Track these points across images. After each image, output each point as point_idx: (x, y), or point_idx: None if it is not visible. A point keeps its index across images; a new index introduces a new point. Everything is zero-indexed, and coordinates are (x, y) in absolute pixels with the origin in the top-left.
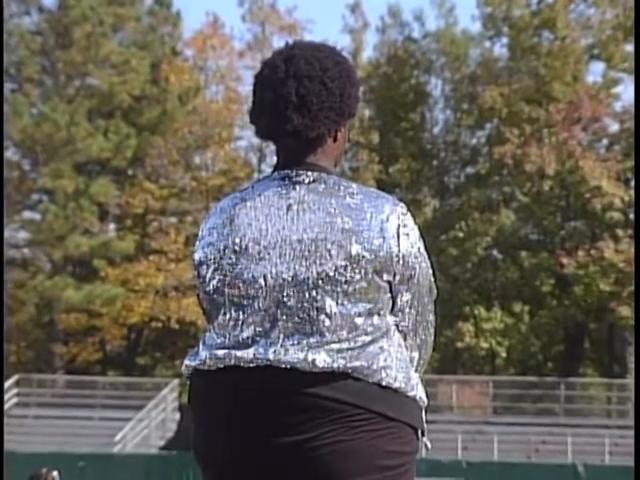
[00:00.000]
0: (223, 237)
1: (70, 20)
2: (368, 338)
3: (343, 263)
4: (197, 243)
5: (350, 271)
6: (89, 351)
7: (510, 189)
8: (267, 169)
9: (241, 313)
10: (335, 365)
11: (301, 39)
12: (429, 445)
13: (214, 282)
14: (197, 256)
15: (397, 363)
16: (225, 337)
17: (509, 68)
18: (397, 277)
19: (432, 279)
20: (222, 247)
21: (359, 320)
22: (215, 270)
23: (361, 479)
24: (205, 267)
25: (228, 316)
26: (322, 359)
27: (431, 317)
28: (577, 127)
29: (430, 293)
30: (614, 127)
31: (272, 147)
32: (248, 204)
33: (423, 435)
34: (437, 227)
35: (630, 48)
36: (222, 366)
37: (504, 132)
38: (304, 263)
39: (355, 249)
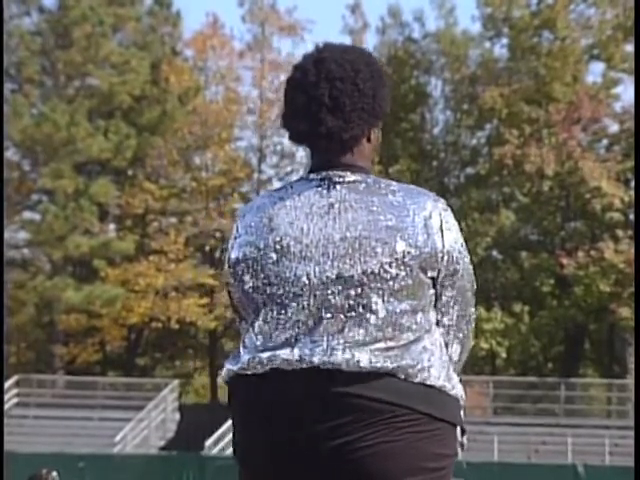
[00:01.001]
0: (263, 236)
1: (70, 20)
2: (412, 336)
3: (388, 260)
4: (232, 241)
5: (395, 268)
6: (89, 352)
7: (510, 190)
8: (267, 169)
9: (284, 312)
10: (379, 365)
11: (329, 42)
12: (466, 444)
13: (254, 281)
14: (234, 254)
15: (439, 362)
16: (267, 338)
17: (509, 68)
18: (442, 273)
19: (473, 274)
20: (262, 245)
21: (404, 317)
22: (255, 269)
23: None
24: (244, 265)
25: (270, 316)
26: (367, 359)
27: (473, 311)
28: (577, 127)
29: (472, 288)
30: (614, 127)
31: (272, 147)
32: (287, 203)
33: (464, 434)
34: None
35: (630, 48)
36: (268, 369)
37: (504, 133)
38: (348, 261)
39: (400, 246)
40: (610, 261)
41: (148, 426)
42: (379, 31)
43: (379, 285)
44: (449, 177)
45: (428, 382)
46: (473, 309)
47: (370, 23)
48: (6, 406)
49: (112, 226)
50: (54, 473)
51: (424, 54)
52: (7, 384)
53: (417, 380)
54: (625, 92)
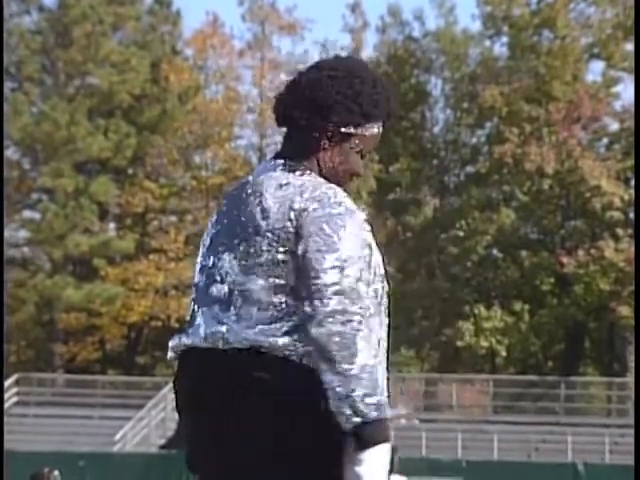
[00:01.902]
0: (209, 230)
1: (70, 19)
2: (279, 314)
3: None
4: None
5: (259, 246)
6: (89, 350)
7: (510, 188)
8: None
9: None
10: (246, 343)
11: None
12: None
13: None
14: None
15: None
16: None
17: (509, 67)
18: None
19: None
20: (202, 243)
21: (269, 295)
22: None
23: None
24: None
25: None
26: (232, 336)
27: None
28: (577, 126)
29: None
30: (614, 126)
31: (272, 146)
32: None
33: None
34: (437, 226)
35: (630, 47)
36: (173, 354)
37: (504, 131)
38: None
39: (263, 226)
40: (610, 260)
41: (148, 425)
42: (379, 30)
43: (251, 264)
44: (449, 175)
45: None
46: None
47: (370, 22)
48: (6, 405)
49: (112, 225)
50: (56, 472)
51: (424, 53)
52: (7, 382)
53: (278, 355)
54: (625, 91)
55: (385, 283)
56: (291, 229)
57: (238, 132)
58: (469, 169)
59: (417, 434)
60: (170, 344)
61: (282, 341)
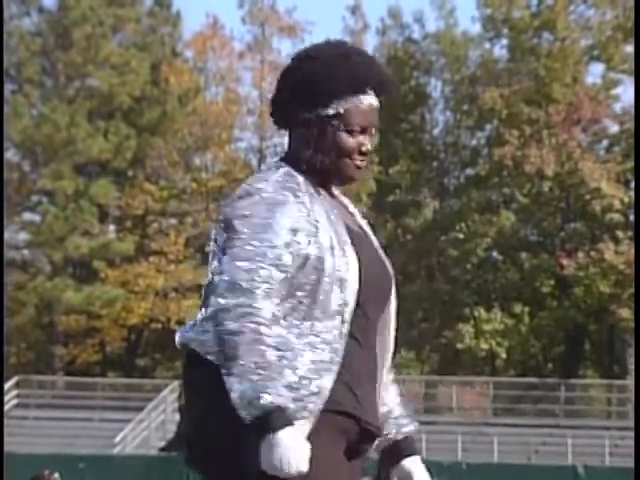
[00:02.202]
0: None
1: (70, 21)
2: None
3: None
4: None
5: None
6: (89, 352)
7: (510, 190)
8: None
9: None
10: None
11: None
12: None
13: None
14: None
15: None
16: None
17: (509, 69)
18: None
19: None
20: None
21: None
22: None
23: None
24: None
25: None
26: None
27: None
28: (577, 128)
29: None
30: (614, 128)
31: (272, 148)
32: None
33: None
34: (437, 228)
35: (630, 49)
36: None
37: (504, 133)
38: None
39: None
40: (610, 262)
41: (148, 427)
42: (379, 32)
43: None
44: (449, 178)
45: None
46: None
47: (370, 24)
48: (6, 407)
49: (112, 227)
50: (56, 474)
51: (424, 55)
52: (7, 385)
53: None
54: (625, 93)
55: (321, 251)
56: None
57: (238, 134)
58: (469, 171)
59: (417, 436)
60: None
61: (190, 336)
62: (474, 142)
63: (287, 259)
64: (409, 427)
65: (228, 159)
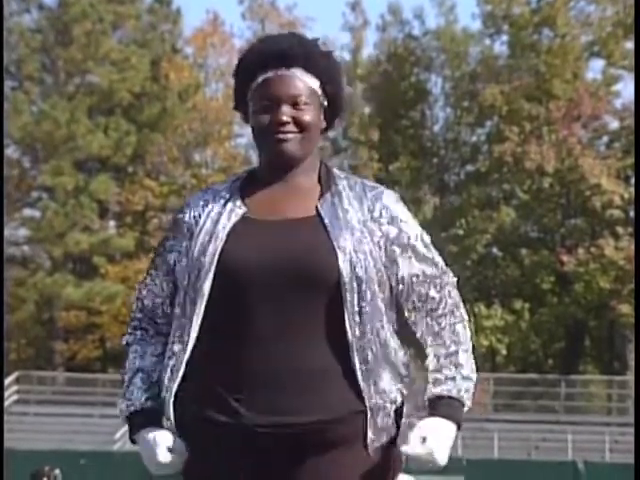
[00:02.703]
0: None
1: (70, 18)
2: None
3: None
4: None
5: None
6: (89, 348)
7: (510, 187)
8: None
9: None
10: None
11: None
12: None
13: None
14: None
15: None
16: None
17: (509, 66)
18: None
19: None
20: None
21: None
22: None
23: None
24: None
25: None
26: None
27: None
28: (577, 125)
29: None
30: (614, 124)
31: None
32: None
33: None
34: (437, 225)
35: (630, 45)
36: None
37: (504, 130)
38: None
39: None
40: (610, 258)
41: None
42: (379, 28)
43: None
44: (449, 174)
45: None
46: None
47: (370, 20)
48: (6, 403)
49: (112, 223)
50: (57, 471)
51: (424, 51)
52: (7, 381)
53: None
54: (625, 89)
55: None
56: None
57: (238, 130)
58: (469, 168)
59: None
60: None
61: None
62: (474, 138)
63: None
64: (435, 388)
65: (228, 155)
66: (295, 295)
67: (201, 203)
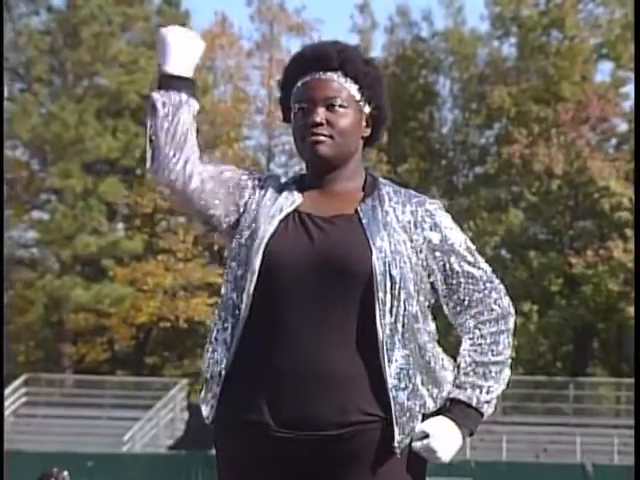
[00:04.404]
0: None
1: (79, 20)
2: None
3: None
4: None
5: None
6: (98, 351)
7: (518, 189)
8: (275, 168)
9: None
10: None
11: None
12: None
13: None
14: None
15: None
16: None
17: (517, 68)
18: None
19: None
20: None
21: None
22: None
23: None
24: None
25: None
26: None
27: None
28: (585, 127)
29: None
30: (623, 127)
31: (280, 147)
32: None
33: None
34: None
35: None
36: None
37: (512, 132)
38: None
39: None
40: (619, 260)
41: (157, 425)
42: (387, 30)
43: None
44: (458, 176)
45: None
46: None
47: (379, 22)
48: (15, 405)
49: (121, 225)
50: (65, 473)
51: (432, 53)
52: (15, 383)
53: None
54: (634, 91)
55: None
56: None
57: (247, 133)
58: (478, 170)
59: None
60: None
61: None
62: (483, 140)
63: None
64: (457, 391)
65: (237, 157)
66: (329, 291)
67: (275, 182)
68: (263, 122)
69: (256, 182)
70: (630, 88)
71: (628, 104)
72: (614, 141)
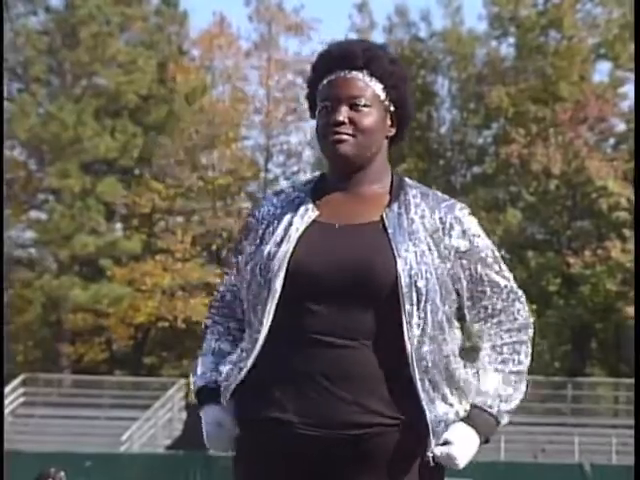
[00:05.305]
0: None
1: (77, 20)
2: None
3: None
4: None
5: None
6: (96, 351)
7: (516, 189)
8: (274, 168)
9: None
10: None
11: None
12: None
13: None
14: None
15: None
16: None
17: (515, 68)
18: None
19: None
20: None
21: None
22: None
23: None
24: None
25: None
26: None
27: None
28: (583, 127)
29: None
30: (621, 127)
31: (278, 146)
32: None
33: None
34: None
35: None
36: None
37: (510, 132)
38: None
39: None
40: (617, 260)
41: (155, 425)
42: (386, 30)
43: None
44: (456, 176)
45: None
46: None
47: (377, 22)
48: (12, 405)
49: (119, 225)
50: (62, 473)
51: (431, 53)
52: (13, 383)
53: None
54: (632, 91)
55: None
56: None
57: (245, 132)
58: (476, 169)
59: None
60: None
61: None
62: (481, 140)
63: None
64: (477, 397)
65: (235, 157)
66: (355, 300)
67: (272, 206)
68: (261, 122)
69: (255, 231)
70: (628, 88)
71: (626, 104)
72: (612, 141)
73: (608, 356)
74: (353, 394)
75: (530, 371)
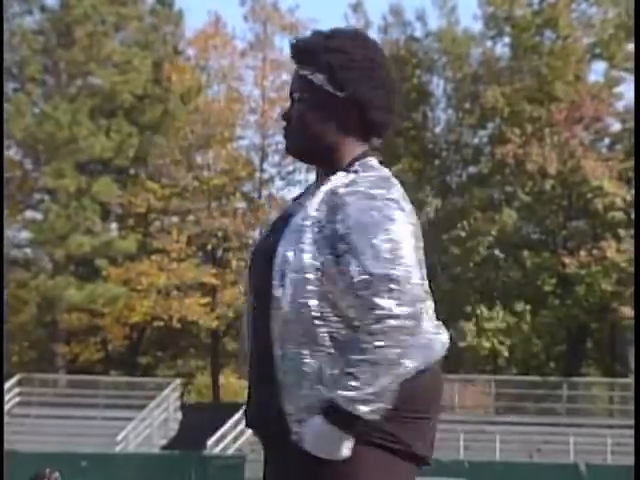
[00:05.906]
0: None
1: (72, 19)
2: None
3: None
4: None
5: None
6: (91, 351)
7: (512, 188)
8: (269, 168)
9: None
10: None
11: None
12: None
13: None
14: None
15: None
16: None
17: (511, 67)
18: None
19: None
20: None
21: None
22: None
23: None
24: None
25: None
26: None
27: None
28: (579, 126)
29: None
30: (616, 126)
31: (273, 146)
32: None
33: None
34: (439, 226)
35: (632, 47)
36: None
37: (506, 132)
38: None
39: None
40: (612, 260)
41: (150, 425)
42: (381, 30)
43: None
44: (451, 176)
45: None
46: None
47: (372, 22)
48: (8, 405)
49: (114, 225)
50: (56, 473)
51: (426, 53)
52: (9, 383)
53: None
54: (627, 91)
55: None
56: None
57: (240, 132)
58: (471, 169)
59: None
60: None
61: None
62: (476, 140)
63: None
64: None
65: (230, 157)
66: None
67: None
68: (257, 122)
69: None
70: (623, 88)
71: (621, 104)
72: (607, 141)
73: (603, 356)
74: (258, 390)
75: (525, 371)
